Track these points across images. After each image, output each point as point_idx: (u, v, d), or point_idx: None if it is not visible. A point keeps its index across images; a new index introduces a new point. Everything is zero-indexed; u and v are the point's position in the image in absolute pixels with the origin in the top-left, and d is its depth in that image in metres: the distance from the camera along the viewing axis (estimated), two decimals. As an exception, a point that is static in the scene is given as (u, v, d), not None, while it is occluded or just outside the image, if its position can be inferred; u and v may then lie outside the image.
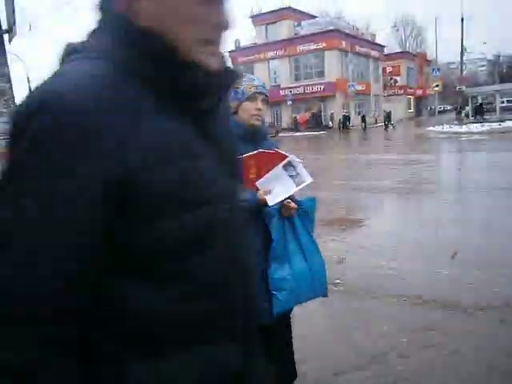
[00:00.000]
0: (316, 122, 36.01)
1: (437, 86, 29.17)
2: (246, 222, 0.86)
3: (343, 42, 36.22)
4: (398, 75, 50.06)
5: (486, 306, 3.26)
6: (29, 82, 42.33)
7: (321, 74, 36.34)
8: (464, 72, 33.72)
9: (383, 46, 46.93)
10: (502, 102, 28.71)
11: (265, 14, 40.04)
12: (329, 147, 21.19)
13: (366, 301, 3.44)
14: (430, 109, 53.78)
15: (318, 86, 35.29)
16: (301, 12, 40.10)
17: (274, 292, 1.89)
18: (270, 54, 37.79)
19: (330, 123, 33.80)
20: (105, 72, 0.62)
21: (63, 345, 0.59)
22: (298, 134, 31.10)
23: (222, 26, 0.70)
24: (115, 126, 0.59)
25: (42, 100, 0.58)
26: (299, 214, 1.99)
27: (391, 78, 49.33)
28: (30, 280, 0.56)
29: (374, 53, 43.04)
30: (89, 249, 0.60)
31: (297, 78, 37.16)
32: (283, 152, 1.92)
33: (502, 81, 44.43)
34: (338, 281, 3.85)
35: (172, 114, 0.66)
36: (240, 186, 0.94)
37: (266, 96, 1.99)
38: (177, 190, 0.64)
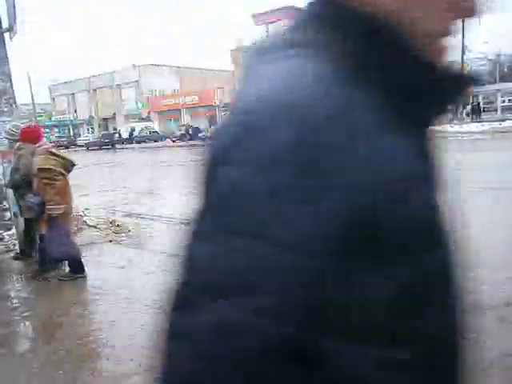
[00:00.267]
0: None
1: (437, 85, 29.07)
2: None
3: (344, 41, 36.13)
4: (399, 74, 49.93)
5: (486, 305, 3.26)
6: (29, 80, 42.53)
7: (321, 73, 36.29)
8: (465, 71, 33.57)
9: (384, 45, 46.81)
10: (503, 101, 28.69)
11: (266, 13, 40.00)
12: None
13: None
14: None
15: (319, 85, 35.24)
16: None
17: None
18: (271, 53, 37.76)
19: None
20: (339, 76, 0.46)
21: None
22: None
23: (469, 11, 0.51)
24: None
25: (276, 114, 0.42)
26: None
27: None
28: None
29: (374, 52, 42.98)
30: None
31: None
32: None
33: (503, 80, 44.37)
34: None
35: (402, 127, 0.48)
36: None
37: None
38: (418, 225, 0.47)
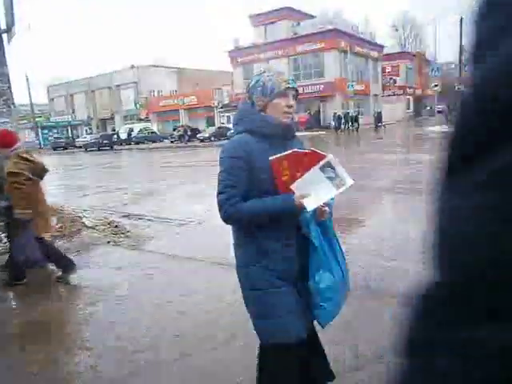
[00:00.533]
0: (315, 122, 36.00)
1: (436, 85, 29.18)
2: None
3: (342, 42, 36.21)
4: (397, 75, 50.06)
5: None
6: (28, 81, 42.41)
7: (320, 73, 36.36)
8: (463, 72, 33.70)
9: (382, 46, 46.90)
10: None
11: (264, 13, 40.03)
12: (328, 147, 21.18)
13: (365, 301, 3.43)
14: (430, 109, 53.83)
15: (317, 86, 35.29)
16: (300, 12, 40.09)
17: (322, 303, 1.81)
18: (269, 53, 37.79)
19: (333, 123, 33.71)
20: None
21: None
22: (297, 134, 31.02)
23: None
24: None
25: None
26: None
27: (390, 78, 49.31)
28: None
29: (373, 52, 43.05)
30: None
31: (296, 78, 37.12)
32: (320, 152, 1.75)
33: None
34: (338, 281, 3.84)
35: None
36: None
37: (297, 91, 1.87)
38: None
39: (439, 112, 41.15)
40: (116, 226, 6.66)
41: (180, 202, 8.95)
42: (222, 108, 40.80)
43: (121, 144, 38.68)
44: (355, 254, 4.66)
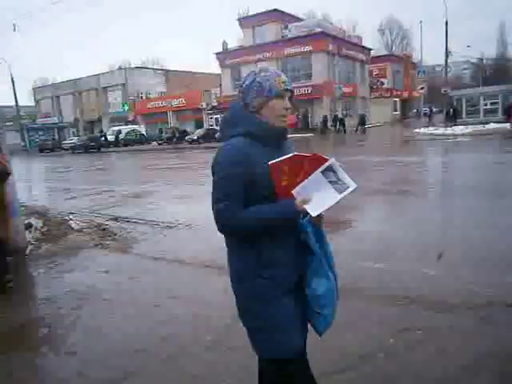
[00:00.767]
0: (304, 124, 36.13)
1: (422, 88, 29.51)
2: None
3: (330, 45, 36.43)
4: (385, 77, 50.54)
5: (471, 305, 3.31)
6: (13, 83, 41.86)
7: (308, 76, 36.53)
8: (449, 75, 34.17)
9: (370, 49, 47.33)
10: (486, 105, 29.17)
11: (252, 16, 40.11)
12: (316, 149, 21.27)
13: (353, 301, 3.45)
14: (416, 111, 54.41)
15: (306, 89, 35.43)
16: (288, 14, 40.25)
17: (319, 311, 1.77)
18: (258, 56, 37.84)
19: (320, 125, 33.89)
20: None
21: None
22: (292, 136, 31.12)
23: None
24: None
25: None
26: None
27: (378, 81, 49.75)
28: None
29: (360, 55, 43.39)
30: None
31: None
32: (322, 155, 1.67)
33: (485, 83, 45.15)
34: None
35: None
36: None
37: (292, 93, 1.78)
38: None
39: (425, 114, 41.62)
40: (103, 229, 6.61)
41: (168, 204, 8.91)
42: (210, 110, 40.72)
43: (108, 146, 38.37)
44: (342, 255, 4.68)
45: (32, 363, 3.03)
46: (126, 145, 38.67)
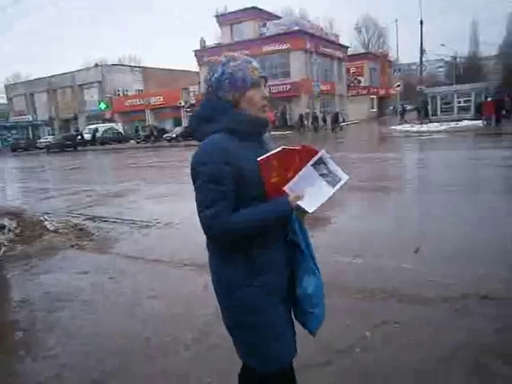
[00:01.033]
0: (283, 122, 36.28)
1: (398, 85, 29.98)
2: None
3: (308, 43, 36.62)
4: (362, 75, 51.19)
5: (446, 297, 3.40)
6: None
7: (286, 74, 36.65)
8: (424, 73, 34.83)
9: (347, 47, 47.79)
10: (459, 102, 29.83)
11: (230, 13, 39.97)
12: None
13: (331, 296, 3.48)
14: (393, 108, 55.26)
15: (284, 86, 35.55)
16: (266, 12, 40.28)
17: (312, 310, 1.68)
18: (236, 53, 37.68)
19: (305, 122, 34.14)
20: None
21: None
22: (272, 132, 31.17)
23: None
24: None
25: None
26: None
27: (355, 78, 50.36)
28: None
29: (337, 53, 43.77)
30: None
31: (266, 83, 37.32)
32: (312, 147, 1.57)
33: (459, 81, 46.18)
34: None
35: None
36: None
37: (267, 79, 1.65)
38: None
39: (399, 112, 42.38)
40: (80, 229, 6.50)
41: (147, 203, 8.82)
42: (189, 108, 40.42)
43: (85, 145, 37.69)
44: (320, 250, 4.73)
45: (8, 368, 2.96)
46: (103, 143, 38.05)
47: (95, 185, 12.29)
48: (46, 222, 6.74)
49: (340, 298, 3.51)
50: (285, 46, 36.16)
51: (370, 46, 67.61)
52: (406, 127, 27.18)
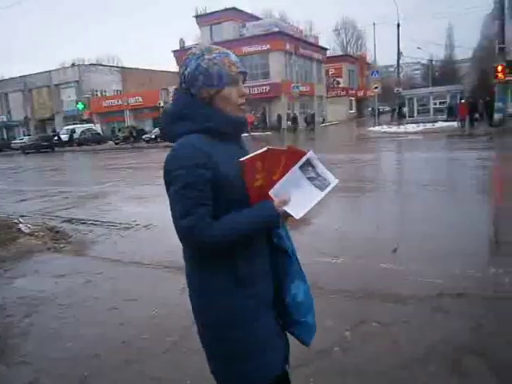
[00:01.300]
0: (263, 123, 36.37)
1: (376, 87, 30.43)
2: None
3: (287, 44, 36.84)
4: (340, 77, 51.78)
5: (423, 296, 3.46)
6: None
7: (266, 75, 36.77)
8: (401, 75, 35.43)
9: (326, 49, 48.26)
10: (435, 104, 30.47)
11: (209, 14, 39.87)
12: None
13: (311, 297, 3.52)
14: (371, 109, 56.12)
15: (263, 87, 35.65)
16: (245, 13, 40.34)
17: (304, 319, 1.54)
18: (215, 54, 37.63)
19: (288, 123, 34.45)
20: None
21: None
22: (252, 133, 31.29)
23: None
24: None
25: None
26: None
27: (334, 80, 50.89)
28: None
29: (317, 55, 44.16)
30: None
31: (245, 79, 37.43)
32: (299, 148, 1.47)
33: (435, 84, 47.16)
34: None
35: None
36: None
37: (246, 74, 1.50)
38: None
39: (380, 113, 42.98)
40: (57, 232, 6.37)
41: (126, 204, 8.71)
42: (168, 108, 40.04)
43: (62, 146, 36.98)
44: (300, 251, 4.76)
45: (-20, 375, 2.88)
46: (80, 144, 37.39)
47: (73, 186, 12.07)
48: (20, 225, 6.59)
49: (320, 299, 3.51)
50: (264, 47, 36.27)
51: (349, 48, 68.51)
52: (384, 128, 27.62)
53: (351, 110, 54.30)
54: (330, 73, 50.70)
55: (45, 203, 9.42)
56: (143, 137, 34.12)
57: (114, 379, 2.67)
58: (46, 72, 48.44)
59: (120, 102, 43.28)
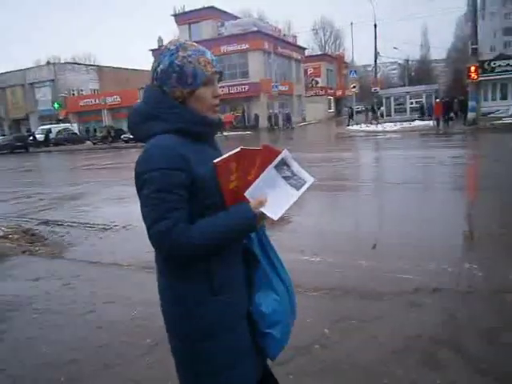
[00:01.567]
0: (241, 122, 36.36)
1: (354, 87, 30.83)
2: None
3: (266, 43, 36.91)
4: (319, 76, 52.21)
5: (399, 292, 3.53)
6: None
7: (245, 74, 36.78)
8: (378, 74, 35.96)
9: (304, 48, 48.56)
10: (412, 103, 31.04)
11: (188, 12, 39.62)
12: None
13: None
14: (350, 108, 56.81)
15: (243, 87, 35.64)
16: (224, 12, 40.23)
17: (268, 330, 1.44)
18: (194, 53, 37.45)
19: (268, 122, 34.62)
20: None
21: None
22: (224, 134, 31.14)
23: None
24: None
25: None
26: None
27: (312, 79, 51.27)
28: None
29: (295, 54, 44.39)
30: None
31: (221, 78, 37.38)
32: (273, 147, 1.43)
33: (411, 83, 48.01)
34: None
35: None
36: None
37: (221, 74, 1.45)
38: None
39: (358, 112, 43.55)
40: (32, 235, 6.23)
41: (104, 205, 8.58)
42: (147, 108, 39.65)
43: (38, 146, 36.14)
44: (279, 249, 4.78)
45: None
46: (57, 144, 36.64)
47: (49, 187, 11.83)
48: (-6, 228, 6.42)
49: (299, 296, 3.54)
50: (243, 47, 36.28)
51: (327, 47, 69.09)
52: (363, 127, 27.98)
53: (330, 109, 54.81)
54: (309, 72, 51.08)
55: (19, 205, 9.20)
56: (122, 137, 33.69)
57: None
58: (19, 70, 47.28)
59: (97, 102, 42.62)
